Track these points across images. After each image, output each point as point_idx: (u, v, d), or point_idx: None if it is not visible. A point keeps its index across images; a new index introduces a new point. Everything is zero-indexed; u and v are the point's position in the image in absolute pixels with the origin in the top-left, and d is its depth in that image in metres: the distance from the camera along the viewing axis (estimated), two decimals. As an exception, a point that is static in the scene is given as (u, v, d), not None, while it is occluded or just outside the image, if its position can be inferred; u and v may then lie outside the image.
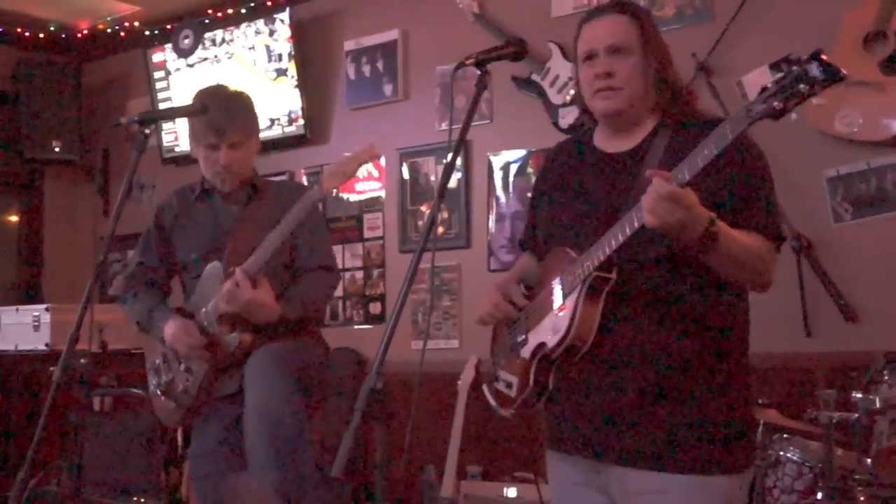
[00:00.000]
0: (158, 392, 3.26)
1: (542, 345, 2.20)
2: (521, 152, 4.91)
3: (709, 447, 2.10)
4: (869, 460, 2.93)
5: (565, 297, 2.16)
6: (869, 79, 3.87)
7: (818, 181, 4.07)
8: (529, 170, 4.85)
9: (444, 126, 5.13)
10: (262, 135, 4.27)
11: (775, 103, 1.79)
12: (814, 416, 3.00)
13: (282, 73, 5.59)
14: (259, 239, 3.04)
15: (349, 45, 5.54)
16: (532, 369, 2.21)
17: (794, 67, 1.76)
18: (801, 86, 1.76)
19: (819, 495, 3.02)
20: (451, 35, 5.08)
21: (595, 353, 2.14)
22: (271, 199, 3.21)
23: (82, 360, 2.60)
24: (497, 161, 4.99)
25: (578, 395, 2.21)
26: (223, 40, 5.89)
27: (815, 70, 1.75)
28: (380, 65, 5.42)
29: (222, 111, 3.11)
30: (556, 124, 4.70)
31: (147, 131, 2.76)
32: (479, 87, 2.24)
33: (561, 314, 2.16)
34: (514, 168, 4.94)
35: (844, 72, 1.72)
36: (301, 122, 5.58)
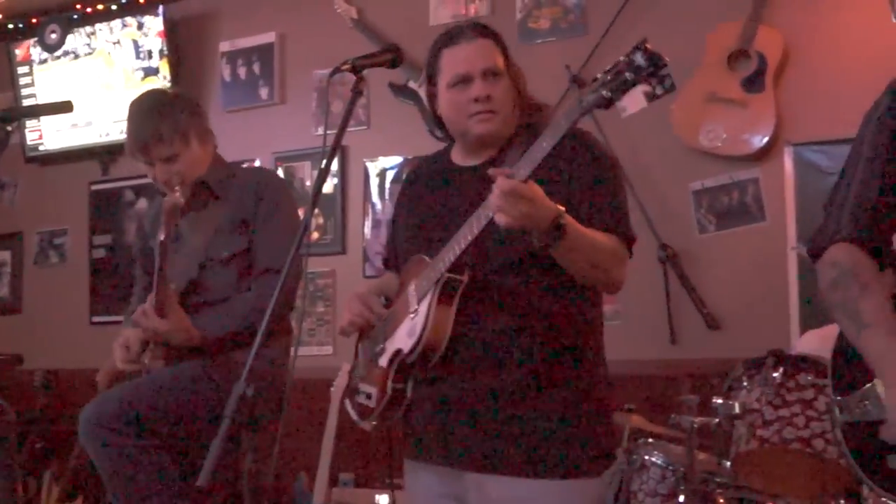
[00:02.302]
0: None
1: (398, 351, 2.19)
2: (398, 159, 4.92)
3: (568, 451, 2.13)
4: (728, 463, 3.03)
5: (419, 301, 2.17)
6: (732, 96, 4.02)
7: (684, 193, 4.21)
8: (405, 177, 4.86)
9: (321, 131, 5.09)
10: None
11: (604, 93, 1.85)
12: (677, 421, 3.09)
13: (152, 72, 5.45)
14: (210, 247, 2.91)
15: (224, 46, 5.45)
16: (390, 377, 2.21)
17: (621, 58, 1.83)
18: (628, 74, 1.83)
19: (681, 498, 3.11)
20: (328, 40, 5.05)
21: (451, 359, 2.15)
22: (230, 197, 2.97)
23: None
24: (373, 167, 4.99)
25: (435, 402, 2.21)
26: (85, 34, 5.70)
27: (639, 59, 1.82)
28: (256, 67, 5.34)
29: (143, 126, 2.89)
30: (432, 132, 4.71)
31: (9, 128, 2.64)
32: (355, 92, 2.25)
33: (415, 318, 2.16)
34: (390, 174, 4.94)
35: (666, 59, 1.81)
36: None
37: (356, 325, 2.39)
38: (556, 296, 2.17)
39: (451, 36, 2.30)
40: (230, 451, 2.85)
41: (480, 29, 2.29)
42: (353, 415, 2.37)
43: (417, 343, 2.12)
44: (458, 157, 2.37)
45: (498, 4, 4.73)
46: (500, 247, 2.13)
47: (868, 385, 1.85)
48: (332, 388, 4.44)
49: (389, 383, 2.20)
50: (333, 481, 4.49)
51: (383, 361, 2.25)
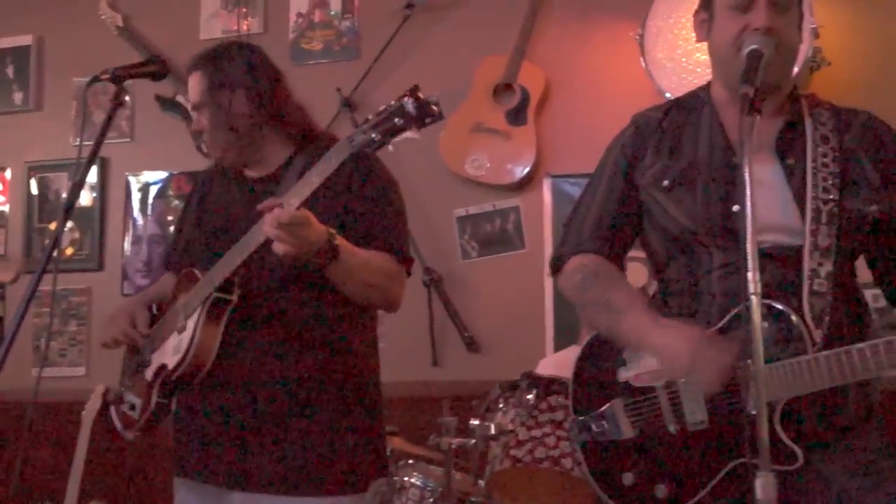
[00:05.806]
0: None
1: (163, 366, 2.19)
2: (163, 174, 4.76)
3: (330, 467, 2.16)
4: (483, 483, 3.12)
5: (187, 318, 2.16)
6: (497, 127, 4.18)
7: (449, 219, 4.33)
8: (171, 192, 4.72)
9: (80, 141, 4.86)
10: None
11: (373, 135, 1.88)
12: (436, 443, 3.15)
13: None
14: None
15: (-26, 45, 5.12)
16: (154, 391, 2.20)
17: (392, 102, 1.87)
18: (397, 120, 1.86)
19: (438, 518, 3.17)
20: (91, 46, 4.82)
21: (218, 376, 2.15)
22: None
23: None
24: (136, 181, 4.81)
25: (202, 419, 2.21)
26: None
27: (410, 106, 1.85)
28: (10, 70, 5.04)
29: None
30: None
31: None
32: (115, 103, 2.21)
33: (182, 335, 2.16)
34: (154, 190, 4.78)
35: (437, 108, 1.85)
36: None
37: (118, 343, 2.36)
38: (325, 315, 2.19)
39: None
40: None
41: (193, 61, 2.32)
42: (117, 424, 2.35)
43: (182, 361, 2.12)
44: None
45: (271, 23, 4.70)
46: (271, 266, 2.13)
47: (606, 406, 1.96)
48: (83, 412, 4.24)
49: (154, 397, 2.20)
50: (82, 509, 4.28)
51: (148, 374, 2.24)
